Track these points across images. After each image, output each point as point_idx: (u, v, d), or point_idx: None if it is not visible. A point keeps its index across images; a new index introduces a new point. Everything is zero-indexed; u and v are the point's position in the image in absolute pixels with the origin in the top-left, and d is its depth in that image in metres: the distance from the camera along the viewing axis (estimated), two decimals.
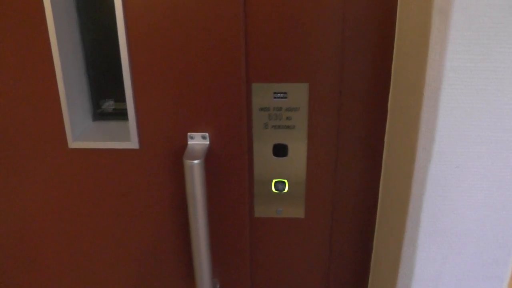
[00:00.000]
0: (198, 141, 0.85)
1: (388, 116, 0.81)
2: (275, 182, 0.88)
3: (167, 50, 0.80)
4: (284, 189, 0.89)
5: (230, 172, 0.87)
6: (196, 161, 0.79)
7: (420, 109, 0.64)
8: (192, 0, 0.76)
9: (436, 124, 0.64)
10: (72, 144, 0.88)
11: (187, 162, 0.79)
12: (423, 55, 0.61)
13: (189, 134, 0.85)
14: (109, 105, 0.94)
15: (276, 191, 0.89)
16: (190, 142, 0.85)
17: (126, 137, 0.87)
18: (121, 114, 0.92)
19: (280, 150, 0.86)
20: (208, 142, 0.85)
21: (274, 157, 0.86)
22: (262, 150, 0.86)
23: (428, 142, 0.66)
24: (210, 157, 0.86)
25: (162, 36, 0.79)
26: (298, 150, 0.85)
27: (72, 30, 0.86)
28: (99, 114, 0.95)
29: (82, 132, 0.90)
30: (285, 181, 0.88)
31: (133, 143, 0.86)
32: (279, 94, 0.82)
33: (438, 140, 0.64)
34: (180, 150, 0.86)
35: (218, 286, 0.97)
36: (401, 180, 0.72)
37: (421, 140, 0.66)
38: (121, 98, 0.91)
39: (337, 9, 0.75)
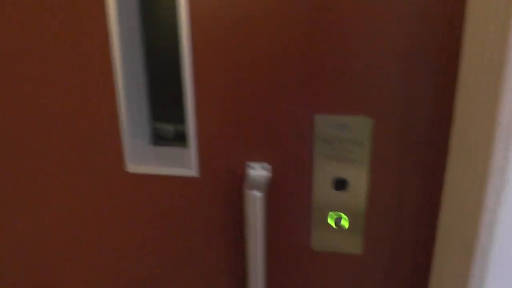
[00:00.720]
0: (258, 171, 0.85)
1: (450, 154, 0.79)
2: (334, 216, 0.87)
3: (231, 78, 0.80)
4: (342, 224, 0.87)
5: (289, 203, 0.86)
6: (259, 193, 0.78)
7: (491, 154, 0.62)
8: (259, 29, 0.76)
9: (509, 167, 0.62)
10: (130, 168, 0.88)
11: (249, 193, 0.78)
12: (495, 94, 0.60)
13: (249, 163, 0.84)
14: (168, 129, 0.95)
15: (334, 225, 0.87)
16: (250, 171, 0.85)
17: (185, 163, 0.87)
18: (181, 140, 0.92)
19: (340, 184, 0.85)
20: (268, 173, 0.84)
21: (334, 190, 0.85)
22: (322, 183, 0.85)
23: (500, 185, 0.64)
24: (269, 187, 0.85)
25: (227, 62, 0.79)
26: (359, 184, 0.84)
27: (136, 52, 0.88)
28: (158, 139, 0.95)
29: (140, 157, 0.91)
30: (344, 215, 0.86)
31: (192, 170, 0.86)
32: (342, 127, 0.81)
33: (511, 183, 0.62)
34: (239, 179, 0.86)
35: None
36: (465, 222, 0.70)
37: (491, 183, 0.64)
38: (181, 123, 0.92)
39: (402, 44, 0.75)
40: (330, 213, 0.86)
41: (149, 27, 0.89)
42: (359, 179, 0.84)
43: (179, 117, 0.92)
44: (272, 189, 0.85)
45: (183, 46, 0.79)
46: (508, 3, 0.56)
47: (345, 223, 0.86)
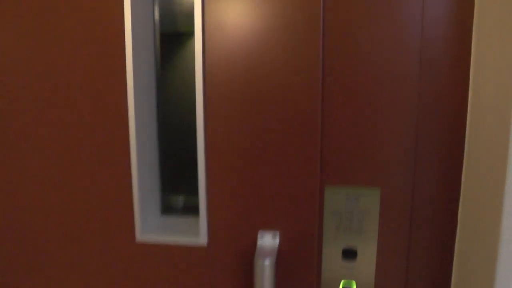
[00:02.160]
0: (267, 240, 0.85)
1: (459, 223, 0.81)
2: (343, 286, 0.87)
3: (243, 150, 0.83)
4: None
5: (299, 273, 0.86)
6: (267, 262, 0.79)
7: (500, 222, 0.64)
8: (272, 104, 0.80)
9: None
10: (140, 237, 0.89)
11: (259, 261, 0.79)
12: (501, 169, 0.63)
13: (259, 232, 0.85)
14: (178, 200, 0.97)
15: None
16: (260, 241, 0.85)
17: (195, 233, 0.88)
18: (190, 209, 0.93)
19: (349, 253, 0.85)
20: (278, 242, 0.85)
21: (343, 260, 0.86)
22: (332, 253, 0.85)
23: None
24: (278, 257, 0.85)
25: (239, 136, 0.83)
26: (368, 254, 0.85)
27: (150, 128, 0.91)
28: (168, 208, 0.97)
29: (150, 226, 0.91)
30: (354, 285, 0.86)
31: (201, 239, 0.87)
32: (351, 198, 0.83)
33: None
34: (248, 248, 0.86)
35: None
36: None
37: (502, 255, 0.65)
38: (191, 193, 0.93)
39: (410, 116, 0.79)
40: (343, 281, 0.86)
41: (166, 104, 0.94)
42: (368, 249, 0.85)
43: (190, 189, 0.94)
44: (281, 258, 0.86)
45: (197, 121, 0.82)
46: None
47: None
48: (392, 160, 0.81)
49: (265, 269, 0.79)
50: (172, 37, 0.91)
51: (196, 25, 0.80)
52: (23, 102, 0.89)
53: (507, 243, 0.64)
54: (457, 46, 0.75)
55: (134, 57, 0.82)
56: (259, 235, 0.86)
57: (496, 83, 0.65)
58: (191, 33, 0.85)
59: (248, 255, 0.86)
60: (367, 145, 0.81)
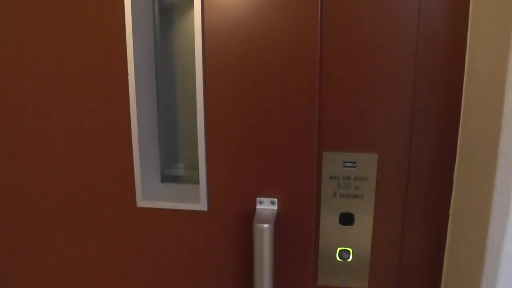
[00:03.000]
0: (266, 206, 0.87)
1: (454, 188, 0.82)
2: (340, 251, 0.88)
3: (242, 117, 0.84)
4: (348, 258, 0.88)
5: (296, 238, 0.88)
6: (266, 225, 0.80)
7: (492, 184, 0.65)
8: (270, 71, 0.81)
9: (511, 197, 0.64)
10: (141, 203, 0.90)
11: (258, 225, 0.80)
12: (496, 127, 0.63)
13: (258, 199, 0.87)
14: (179, 167, 0.98)
15: (340, 260, 0.89)
16: (258, 206, 0.87)
17: (195, 199, 0.89)
18: (190, 177, 0.95)
19: (346, 219, 0.87)
20: (276, 208, 0.87)
21: (340, 225, 0.87)
22: (329, 218, 0.87)
23: (503, 216, 0.66)
24: (277, 223, 0.87)
25: (238, 103, 0.83)
26: (365, 219, 0.86)
27: (151, 94, 0.92)
28: (168, 176, 0.98)
29: (151, 192, 0.93)
30: (350, 250, 0.88)
31: (202, 205, 0.88)
32: (348, 163, 0.84)
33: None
34: (248, 214, 0.88)
35: None
36: (471, 254, 0.72)
37: (494, 215, 0.67)
38: (191, 161, 0.95)
39: (408, 82, 0.79)
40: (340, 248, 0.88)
41: (166, 73, 0.94)
42: (365, 215, 0.86)
43: (190, 157, 0.95)
44: (280, 222, 0.87)
45: (196, 90, 0.83)
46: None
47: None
48: (390, 126, 0.82)
49: (264, 233, 0.81)
50: (171, 7, 0.91)
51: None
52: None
53: (498, 205, 0.66)
54: (454, 14, 0.75)
55: (133, 26, 0.82)
56: (258, 201, 0.87)
57: (491, 47, 0.66)
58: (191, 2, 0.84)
59: (247, 220, 0.88)
60: (365, 112, 0.81)
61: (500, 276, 0.67)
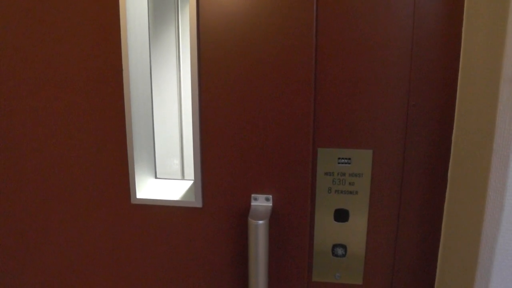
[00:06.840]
0: (261, 202, 0.87)
1: (448, 184, 0.83)
2: (335, 247, 0.88)
3: (237, 114, 0.84)
4: (343, 254, 0.89)
5: (291, 234, 0.88)
6: (261, 222, 0.80)
7: (487, 179, 0.65)
8: (265, 68, 0.81)
9: (505, 193, 0.65)
10: (136, 199, 0.90)
11: (252, 222, 0.80)
12: (490, 124, 0.64)
13: (252, 195, 0.87)
14: (173, 164, 0.97)
15: (335, 256, 0.89)
16: (253, 203, 0.87)
17: (189, 195, 0.89)
18: (185, 173, 0.94)
19: (341, 215, 0.87)
20: (271, 204, 0.87)
21: (335, 221, 0.87)
22: (324, 214, 0.87)
23: (497, 211, 0.67)
24: (272, 219, 0.87)
25: (233, 100, 0.83)
26: (359, 216, 0.86)
27: (146, 91, 0.91)
28: (163, 174, 0.97)
29: (145, 188, 0.92)
30: (345, 246, 0.88)
31: (196, 202, 0.88)
32: (343, 160, 0.84)
33: (507, 209, 0.65)
34: (243, 210, 0.87)
35: None
36: (465, 250, 0.72)
37: (488, 211, 0.67)
38: (186, 157, 0.94)
39: (403, 79, 0.79)
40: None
41: (162, 72, 0.93)
42: (360, 211, 0.86)
43: (185, 153, 0.95)
44: (274, 220, 0.87)
45: (191, 84, 0.83)
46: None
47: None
48: (385, 123, 0.82)
49: (259, 229, 0.81)
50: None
51: None
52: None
53: (493, 201, 0.66)
54: (449, 11, 0.75)
55: (128, 20, 0.82)
56: (252, 197, 0.87)
57: (486, 45, 0.66)
58: None
59: (242, 216, 0.88)
60: (360, 108, 0.81)
61: (494, 271, 0.67)
